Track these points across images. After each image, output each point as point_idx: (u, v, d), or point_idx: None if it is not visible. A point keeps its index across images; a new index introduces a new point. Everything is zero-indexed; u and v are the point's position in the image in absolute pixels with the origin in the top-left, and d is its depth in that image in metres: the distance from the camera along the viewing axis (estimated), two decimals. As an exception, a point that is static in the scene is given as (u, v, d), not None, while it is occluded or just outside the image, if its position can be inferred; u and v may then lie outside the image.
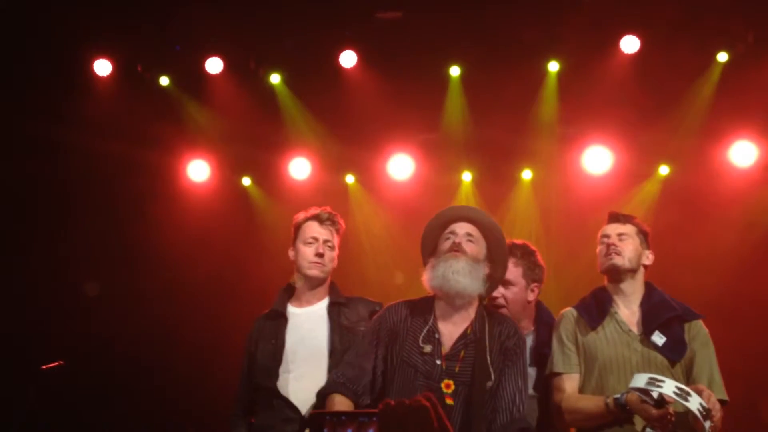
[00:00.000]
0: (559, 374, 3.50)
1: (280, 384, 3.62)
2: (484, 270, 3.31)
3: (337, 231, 3.89)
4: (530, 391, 3.71)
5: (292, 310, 3.81)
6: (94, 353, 6.18)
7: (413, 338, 3.26)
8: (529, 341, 3.80)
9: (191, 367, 6.29)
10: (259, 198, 6.94)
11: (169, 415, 6.18)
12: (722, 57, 6.10)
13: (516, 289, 3.76)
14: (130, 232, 6.51)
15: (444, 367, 3.19)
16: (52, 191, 6.55)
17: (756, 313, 5.89)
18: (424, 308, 3.35)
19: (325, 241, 3.81)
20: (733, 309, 5.74)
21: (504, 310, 3.71)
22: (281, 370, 3.65)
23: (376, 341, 3.32)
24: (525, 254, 3.81)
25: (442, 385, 3.16)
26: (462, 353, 3.23)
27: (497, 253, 3.40)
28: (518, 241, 3.89)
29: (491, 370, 3.17)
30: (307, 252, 3.78)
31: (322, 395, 3.32)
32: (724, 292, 5.81)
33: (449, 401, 3.14)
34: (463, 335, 3.26)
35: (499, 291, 3.70)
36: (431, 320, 3.29)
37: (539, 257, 3.87)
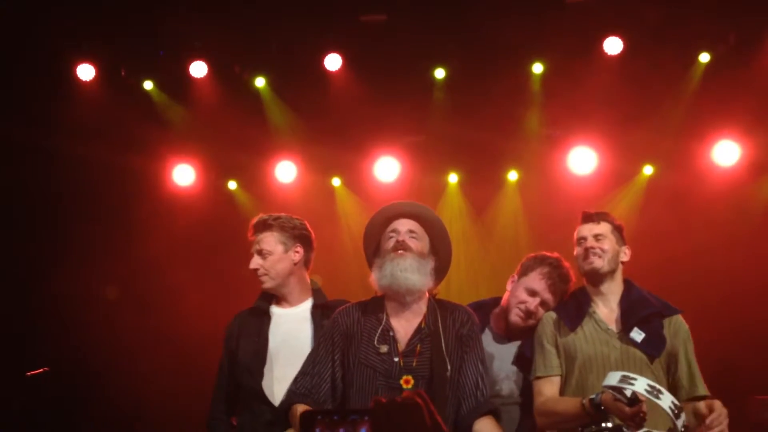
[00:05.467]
0: (539, 378, 3.52)
1: (264, 385, 3.57)
2: (430, 264, 3.33)
3: (275, 228, 3.72)
4: (507, 391, 3.76)
5: (276, 310, 3.76)
6: (80, 358, 6.14)
7: (368, 339, 3.26)
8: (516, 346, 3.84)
9: (176, 370, 6.26)
10: (246, 202, 6.92)
11: (152, 419, 6.14)
12: (704, 57, 6.16)
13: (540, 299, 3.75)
14: (115, 237, 6.47)
15: (402, 364, 3.21)
16: (35, 197, 6.50)
17: (740, 311, 5.94)
18: (375, 308, 3.34)
19: (259, 251, 3.70)
20: (717, 306, 5.78)
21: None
22: (265, 370, 3.59)
23: (331, 347, 3.30)
24: (561, 278, 3.76)
25: (402, 381, 3.19)
26: (418, 347, 3.25)
27: (441, 246, 3.42)
28: (549, 255, 3.83)
29: (448, 361, 3.21)
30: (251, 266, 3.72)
31: (284, 407, 3.28)
32: (708, 289, 5.86)
33: None
34: (418, 330, 3.28)
35: (533, 303, 3.71)
36: (384, 319, 3.30)
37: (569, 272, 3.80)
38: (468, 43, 6.34)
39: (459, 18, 6.20)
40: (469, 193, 6.85)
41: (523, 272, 3.81)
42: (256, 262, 3.70)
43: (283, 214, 3.81)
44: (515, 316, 3.75)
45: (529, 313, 3.72)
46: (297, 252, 3.74)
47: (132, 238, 6.49)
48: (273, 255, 3.69)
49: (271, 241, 3.71)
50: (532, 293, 3.72)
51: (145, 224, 6.54)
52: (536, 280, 3.73)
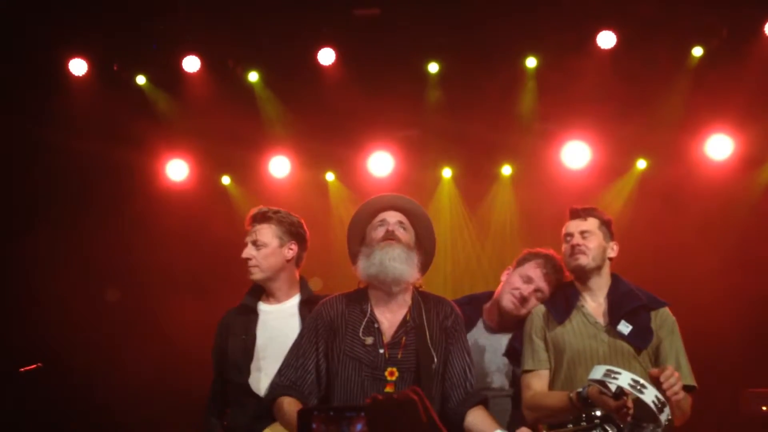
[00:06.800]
0: (528, 372, 3.55)
1: (252, 381, 3.58)
2: (416, 257, 3.33)
3: (274, 221, 3.71)
4: (498, 384, 3.79)
5: (263, 307, 3.76)
6: (72, 354, 6.13)
7: (353, 331, 3.25)
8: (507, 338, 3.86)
9: (170, 366, 6.25)
10: (239, 197, 6.91)
11: (145, 415, 6.13)
12: (697, 51, 6.17)
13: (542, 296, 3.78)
14: (108, 232, 6.45)
15: (387, 355, 3.21)
16: (26, 191, 6.48)
17: (732, 304, 5.96)
18: (359, 299, 3.33)
19: (254, 242, 3.69)
20: (710, 299, 5.81)
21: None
22: (252, 366, 3.60)
23: (315, 339, 3.29)
24: (555, 269, 3.78)
25: (387, 373, 3.19)
26: (403, 339, 3.25)
27: (426, 241, 3.43)
28: (544, 251, 3.85)
29: (433, 353, 3.23)
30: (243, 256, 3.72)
31: (269, 400, 3.27)
32: (701, 282, 5.88)
33: (389, 389, 3.18)
34: (403, 322, 3.28)
35: (527, 289, 3.74)
36: (369, 311, 3.29)
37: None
38: (461, 38, 6.33)
39: (452, 12, 6.20)
40: (462, 187, 6.86)
41: (519, 263, 3.85)
42: (249, 252, 3.69)
43: (282, 209, 3.80)
44: (508, 302, 3.76)
45: (522, 299, 3.74)
46: (291, 249, 3.73)
47: (125, 233, 6.47)
48: (267, 248, 3.68)
49: (267, 233, 3.70)
50: (528, 280, 3.75)
51: (138, 219, 6.52)
52: (531, 269, 3.77)
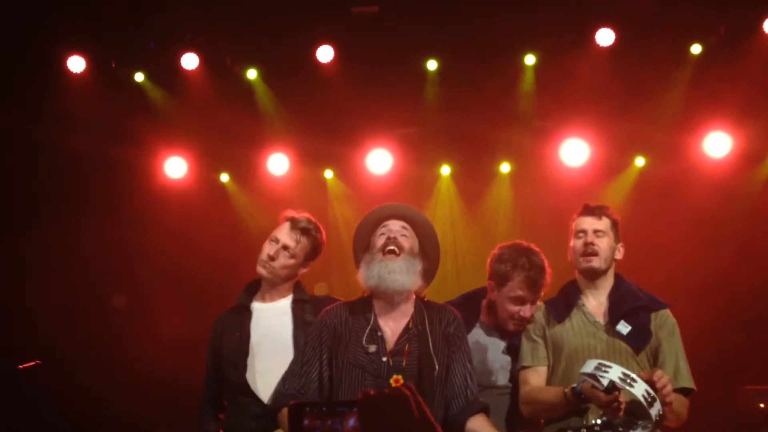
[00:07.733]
0: (526, 368, 3.56)
1: (248, 377, 3.61)
2: (419, 264, 3.33)
3: (311, 240, 3.75)
4: (503, 381, 3.79)
5: (257, 305, 3.79)
6: (70, 352, 6.13)
7: (356, 339, 3.27)
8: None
9: (168, 364, 6.25)
10: (238, 194, 6.91)
11: (143, 413, 6.14)
12: (696, 49, 6.17)
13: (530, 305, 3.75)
14: (106, 230, 6.45)
15: (391, 363, 3.23)
16: (25, 189, 6.48)
17: (730, 301, 5.97)
18: (363, 308, 3.35)
19: (285, 246, 3.71)
20: (708, 297, 5.81)
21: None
22: (248, 362, 3.63)
23: (319, 347, 3.30)
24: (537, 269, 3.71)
25: (392, 380, 3.21)
26: (406, 347, 3.26)
27: (430, 249, 3.44)
28: (515, 251, 3.77)
29: (435, 360, 3.24)
30: (264, 250, 3.73)
31: (273, 410, 3.29)
32: (699, 280, 5.89)
33: None
34: (406, 330, 3.30)
35: (526, 310, 3.70)
36: (372, 319, 3.31)
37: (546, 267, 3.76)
38: (460, 35, 6.33)
39: (451, 9, 6.20)
40: (461, 185, 6.87)
41: (500, 282, 3.74)
42: (274, 250, 3.71)
43: (319, 226, 3.83)
44: (513, 327, 3.75)
45: (525, 320, 3.71)
46: (306, 268, 3.81)
47: (123, 230, 6.46)
48: (294, 260, 3.72)
49: (301, 249, 3.74)
50: (521, 301, 3.70)
51: (136, 217, 6.52)
52: (517, 289, 3.69)
